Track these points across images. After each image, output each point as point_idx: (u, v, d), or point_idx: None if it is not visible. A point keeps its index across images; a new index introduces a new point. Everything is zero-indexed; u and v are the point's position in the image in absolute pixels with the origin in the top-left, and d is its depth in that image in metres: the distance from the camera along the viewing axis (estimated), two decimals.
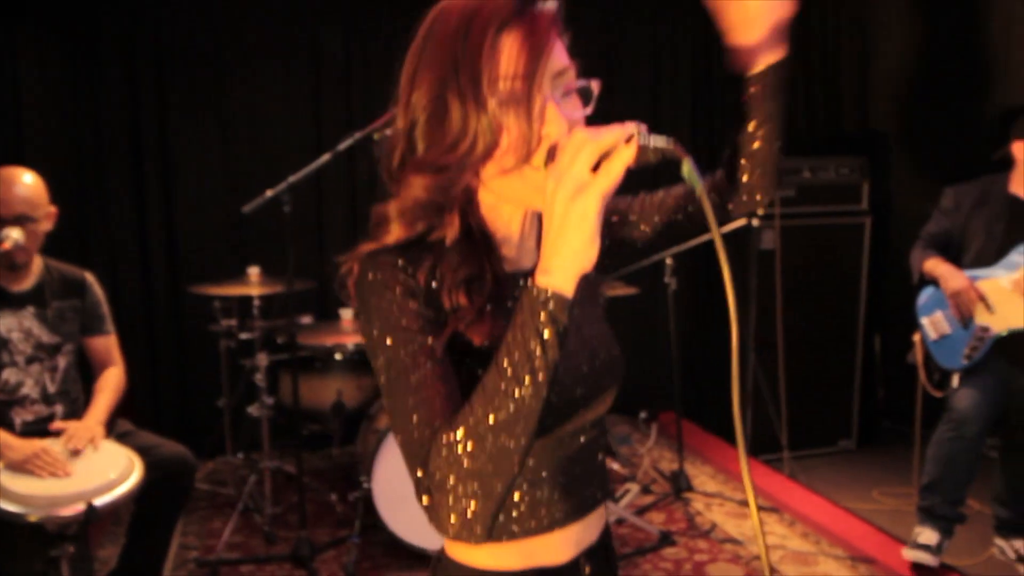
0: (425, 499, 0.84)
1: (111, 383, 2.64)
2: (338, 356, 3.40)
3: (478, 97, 0.86)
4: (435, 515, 0.84)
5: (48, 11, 3.72)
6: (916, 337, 3.04)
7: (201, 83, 3.97)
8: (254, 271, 3.48)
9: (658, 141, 0.84)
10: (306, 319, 3.68)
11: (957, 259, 2.93)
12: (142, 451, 2.44)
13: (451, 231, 0.93)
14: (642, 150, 0.83)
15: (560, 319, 0.81)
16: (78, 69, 3.81)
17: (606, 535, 1.09)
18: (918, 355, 3.03)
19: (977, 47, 4.29)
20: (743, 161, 1.13)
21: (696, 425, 4.32)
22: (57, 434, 2.37)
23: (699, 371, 4.45)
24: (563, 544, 1.01)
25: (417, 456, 0.84)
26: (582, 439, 1.03)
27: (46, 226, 2.52)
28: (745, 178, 1.13)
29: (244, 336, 3.50)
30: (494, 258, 0.96)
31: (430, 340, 0.88)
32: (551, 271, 0.81)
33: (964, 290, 2.82)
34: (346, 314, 3.52)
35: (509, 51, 0.86)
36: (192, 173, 4.01)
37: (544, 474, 0.98)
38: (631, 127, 0.83)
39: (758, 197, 1.15)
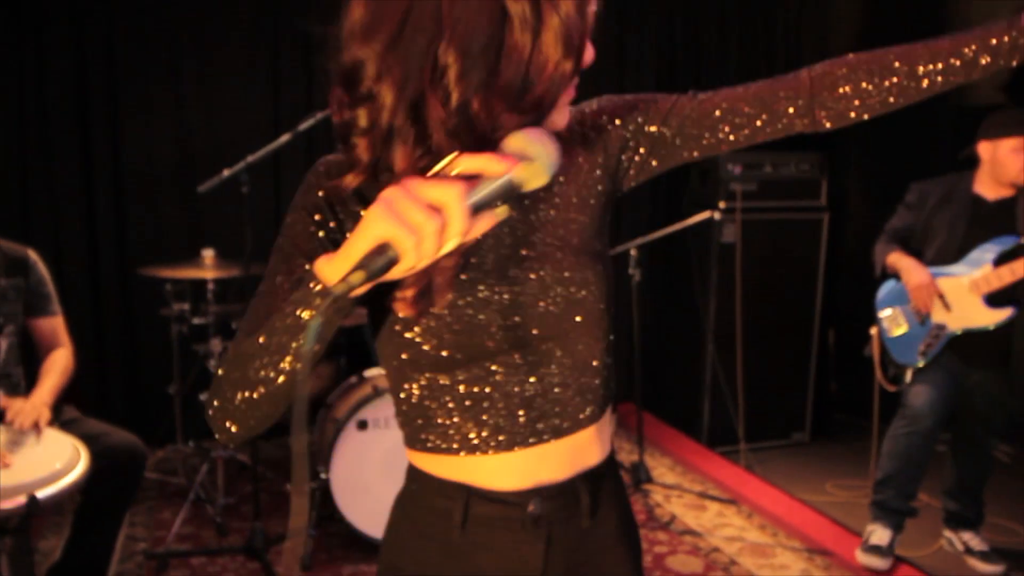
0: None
1: (59, 365, 2.51)
2: None
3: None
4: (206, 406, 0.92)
5: None
6: (873, 331, 3.08)
7: (154, 57, 3.81)
8: (208, 254, 3.36)
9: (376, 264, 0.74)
10: None
11: (919, 254, 2.98)
12: (89, 440, 2.32)
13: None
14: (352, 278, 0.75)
15: (320, 303, 0.79)
16: (23, 37, 3.61)
17: (606, 466, 1.03)
18: (875, 349, 3.08)
19: (940, 32, 4.36)
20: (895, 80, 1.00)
21: (655, 417, 4.34)
22: None
23: (658, 363, 4.47)
24: (501, 469, 0.96)
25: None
26: (501, 377, 0.94)
27: None
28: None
29: (197, 321, 3.39)
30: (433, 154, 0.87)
31: (301, 263, 0.92)
32: (333, 258, 0.78)
33: (925, 285, 2.86)
34: None
35: None
36: (145, 150, 3.85)
37: (451, 403, 0.95)
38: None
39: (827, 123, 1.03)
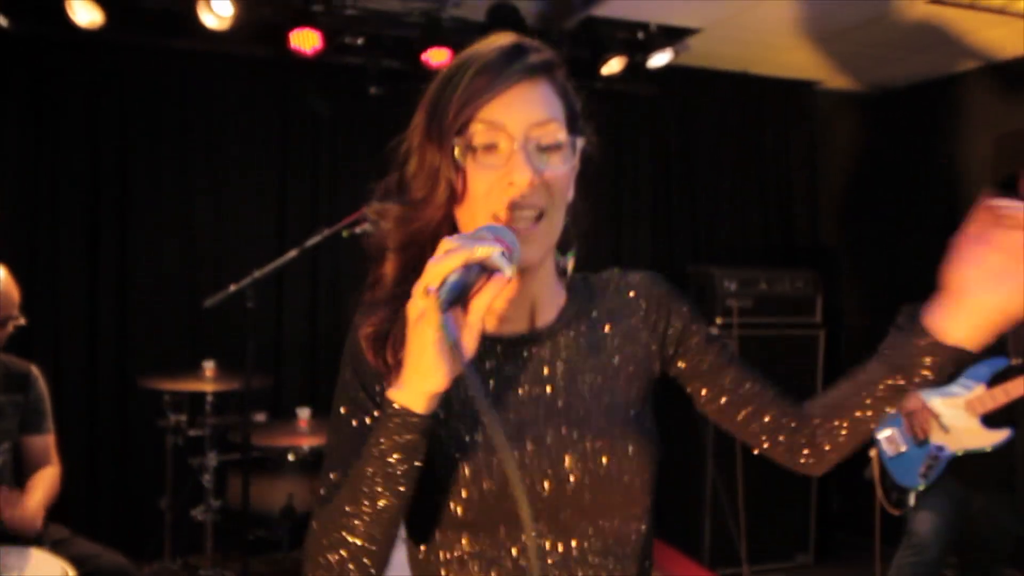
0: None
1: (46, 481, 2.49)
2: (291, 457, 3.28)
3: (442, 137, 0.90)
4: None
5: (9, 88, 3.68)
6: (872, 453, 3.06)
7: (165, 172, 3.93)
8: (209, 365, 3.38)
9: (445, 294, 0.78)
10: (260, 417, 3.57)
11: None
12: (77, 561, 2.28)
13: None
14: (439, 303, 0.78)
15: (408, 438, 0.83)
16: (38, 149, 3.73)
17: None
18: (875, 471, 3.06)
19: (920, 171, 4.53)
20: (841, 434, 1.04)
21: (663, 542, 4.24)
22: None
23: (659, 481, 4.40)
24: None
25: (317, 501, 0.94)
26: (517, 555, 0.93)
27: (9, 330, 2.45)
28: (824, 448, 1.06)
29: (193, 433, 3.37)
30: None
31: (360, 420, 0.95)
32: (402, 386, 0.83)
33: (918, 409, 2.88)
34: (303, 413, 3.42)
35: (476, 92, 0.90)
36: (150, 261, 3.91)
37: (471, 566, 0.94)
38: (472, 251, 0.78)
39: (814, 467, 1.08)
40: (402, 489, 0.85)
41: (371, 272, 1.01)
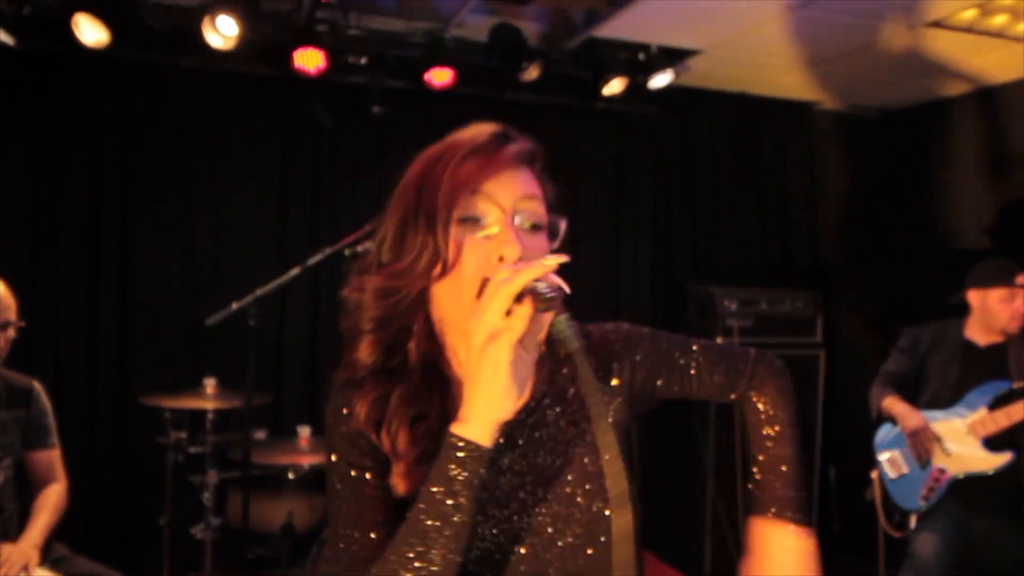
0: None
1: (51, 501, 2.49)
2: (291, 475, 3.27)
3: (431, 215, 0.93)
4: None
5: (13, 105, 3.70)
6: (874, 475, 3.06)
7: (167, 187, 3.94)
8: (210, 383, 3.38)
9: (547, 296, 0.82)
10: (260, 435, 3.56)
11: (914, 398, 3.00)
12: None
13: (411, 355, 0.97)
14: (536, 306, 0.82)
15: (472, 469, 0.82)
16: (40, 165, 3.74)
17: None
18: (876, 493, 3.05)
19: (917, 194, 4.56)
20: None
21: (655, 556, 4.23)
22: None
23: (658, 500, 4.39)
24: None
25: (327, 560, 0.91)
26: None
27: (11, 335, 2.45)
28: None
29: (193, 450, 3.36)
30: (448, 398, 0.96)
31: (366, 475, 0.94)
32: (466, 419, 0.83)
33: (920, 430, 2.88)
34: (303, 431, 3.42)
35: (467, 172, 0.93)
36: (151, 278, 3.91)
37: None
38: (539, 266, 0.83)
39: None
40: (463, 528, 0.84)
41: (344, 354, 1.01)
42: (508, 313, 0.82)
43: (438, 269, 0.93)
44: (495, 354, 0.81)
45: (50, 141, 3.75)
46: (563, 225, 0.98)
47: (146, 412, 3.44)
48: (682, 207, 4.75)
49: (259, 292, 2.94)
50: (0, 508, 2.41)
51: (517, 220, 0.94)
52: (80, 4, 3.21)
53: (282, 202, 4.12)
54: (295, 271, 3.02)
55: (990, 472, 2.84)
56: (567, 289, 0.84)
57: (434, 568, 0.83)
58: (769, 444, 1.16)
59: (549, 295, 0.82)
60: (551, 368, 1.06)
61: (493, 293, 0.82)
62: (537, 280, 0.82)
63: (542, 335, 0.85)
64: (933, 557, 2.77)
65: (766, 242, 4.89)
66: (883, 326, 3.39)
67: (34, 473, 2.54)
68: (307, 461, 3.20)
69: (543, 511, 0.99)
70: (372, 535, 0.93)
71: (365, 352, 0.98)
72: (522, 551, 0.97)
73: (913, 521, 2.91)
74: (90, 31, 3.28)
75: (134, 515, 3.78)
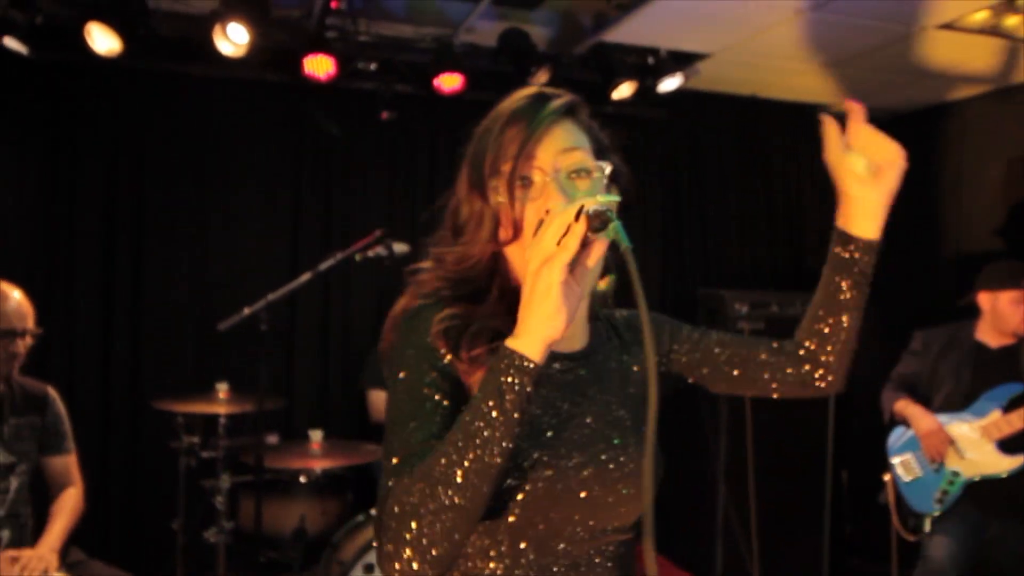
0: (381, 542, 0.89)
1: (68, 506, 2.50)
2: (303, 479, 3.28)
3: (482, 184, 1.00)
4: (386, 558, 0.88)
5: (29, 114, 3.74)
6: (887, 478, 3.05)
7: (180, 194, 3.97)
8: (223, 387, 3.40)
9: (598, 209, 0.88)
10: (272, 439, 3.58)
11: (926, 401, 2.99)
12: None
13: (491, 296, 1.04)
14: (588, 220, 0.87)
15: (522, 382, 0.86)
16: (55, 173, 3.78)
17: None
18: (890, 496, 3.04)
19: (929, 195, 4.54)
20: (826, 332, 1.19)
21: (667, 559, 4.22)
22: None
23: (669, 503, 4.38)
24: None
25: (383, 494, 0.91)
26: (572, 547, 1.01)
27: (28, 343, 2.47)
28: (823, 356, 1.20)
29: (206, 455, 3.38)
30: None
31: (435, 393, 0.97)
32: (519, 336, 0.87)
33: (934, 432, 2.86)
34: (315, 435, 3.42)
35: (508, 139, 0.99)
36: (164, 283, 3.94)
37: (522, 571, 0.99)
38: (585, 200, 0.89)
39: (831, 379, 1.22)
40: (507, 442, 0.86)
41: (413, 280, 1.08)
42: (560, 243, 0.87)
43: (504, 233, 1.01)
44: (548, 274, 0.85)
45: (64, 149, 3.79)
46: (608, 168, 1.03)
47: (159, 417, 3.46)
48: (692, 211, 4.75)
49: (271, 297, 2.96)
50: (16, 514, 2.43)
51: (561, 173, 1.00)
52: (92, 13, 3.24)
53: (293, 208, 4.14)
54: (306, 276, 3.04)
55: (1004, 475, 2.82)
56: (616, 205, 0.90)
57: (473, 477, 0.86)
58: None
59: (600, 211, 0.87)
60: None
61: (549, 222, 0.88)
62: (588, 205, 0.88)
63: (593, 264, 0.89)
64: (947, 560, 2.75)
65: (776, 246, 4.88)
66: (895, 328, 3.38)
67: (51, 478, 2.56)
68: (319, 465, 3.21)
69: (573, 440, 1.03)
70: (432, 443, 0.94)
71: (442, 284, 1.05)
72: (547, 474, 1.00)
73: (928, 525, 2.89)
74: (102, 40, 3.31)
75: (147, 519, 3.80)
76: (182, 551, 3.56)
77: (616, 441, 1.05)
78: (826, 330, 1.17)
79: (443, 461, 0.86)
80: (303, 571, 3.54)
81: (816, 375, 1.20)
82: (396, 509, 0.87)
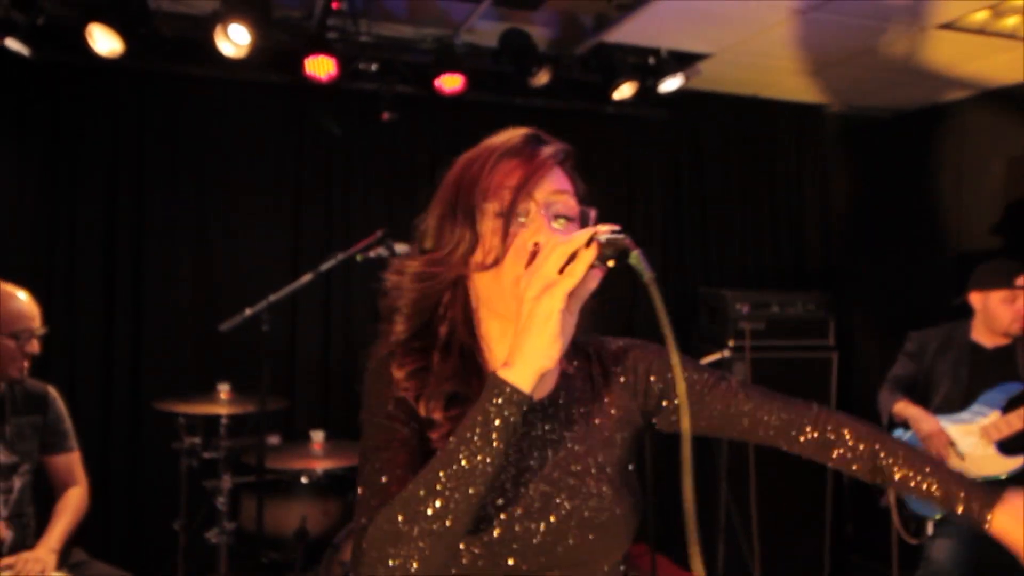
0: (358, 571, 0.88)
1: (72, 506, 2.51)
2: (304, 480, 3.29)
3: (468, 208, 1.00)
4: None
5: (30, 116, 3.74)
6: None
7: (181, 195, 3.97)
8: (224, 388, 3.40)
9: (612, 237, 0.89)
10: (273, 440, 3.58)
11: (923, 402, 2.99)
12: None
13: (441, 337, 1.05)
14: (600, 247, 0.88)
15: (510, 413, 0.85)
16: (56, 178, 3.78)
17: None
18: (891, 499, 3.04)
19: (930, 195, 4.54)
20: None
21: (668, 559, 4.22)
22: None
23: (671, 503, 4.38)
24: None
25: (361, 530, 0.90)
26: None
27: (35, 343, 2.48)
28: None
29: (207, 455, 3.38)
30: (482, 385, 0.99)
31: (400, 432, 0.98)
32: (512, 365, 0.86)
33: (935, 434, 2.86)
34: (316, 436, 3.43)
35: (505, 170, 1.00)
36: (166, 284, 3.94)
37: None
38: (594, 229, 0.90)
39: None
40: (492, 472, 0.86)
41: (382, 329, 1.08)
42: (561, 271, 0.87)
43: (477, 257, 1.01)
44: (549, 302, 0.85)
45: (65, 150, 3.79)
46: (593, 214, 1.04)
47: (160, 418, 3.47)
48: (692, 211, 4.75)
49: (272, 298, 2.97)
50: (19, 513, 2.43)
51: (550, 212, 1.01)
52: (94, 14, 3.24)
53: (294, 208, 4.14)
54: (307, 277, 3.05)
55: (1004, 476, 2.82)
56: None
57: (453, 506, 0.85)
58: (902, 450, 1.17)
59: (614, 239, 0.88)
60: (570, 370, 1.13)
61: (551, 250, 0.88)
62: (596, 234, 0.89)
63: (586, 294, 0.90)
64: (949, 562, 2.75)
65: (777, 245, 4.88)
66: (895, 328, 3.37)
67: (54, 477, 2.57)
68: (320, 466, 3.21)
69: (550, 483, 1.03)
70: (406, 480, 0.94)
71: (400, 328, 1.06)
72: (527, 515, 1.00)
73: (930, 528, 2.89)
74: (104, 41, 3.31)
75: (149, 520, 3.81)
76: (184, 552, 3.56)
77: (579, 493, 1.03)
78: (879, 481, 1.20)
79: (423, 491, 0.86)
80: (304, 572, 3.54)
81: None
82: (374, 535, 0.87)
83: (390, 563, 0.85)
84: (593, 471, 1.05)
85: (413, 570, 0.85)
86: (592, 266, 0.88)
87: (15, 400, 2.48)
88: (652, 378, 1.17)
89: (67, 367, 3.75)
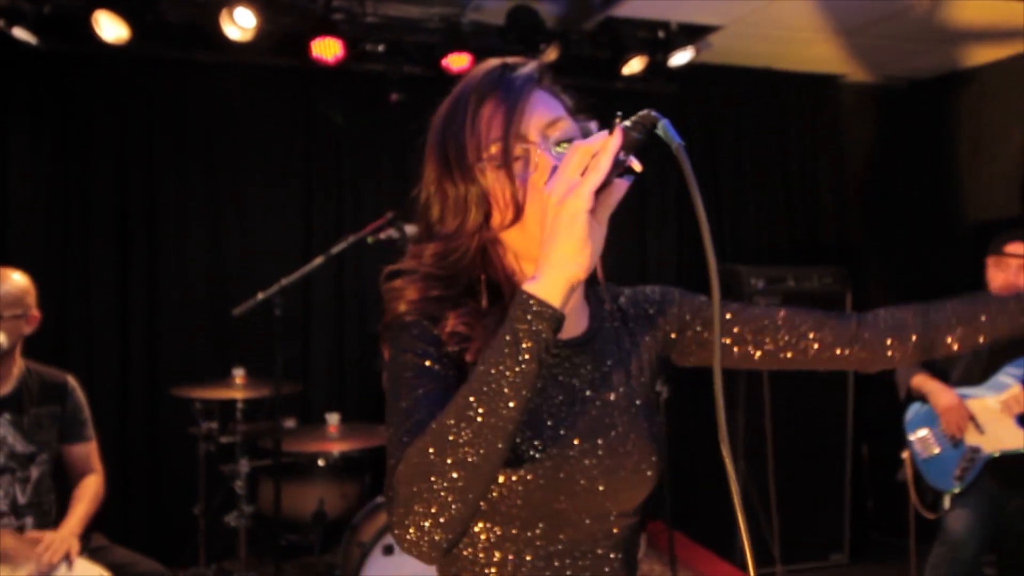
0: (392, 510, 0.83)
1: (89, 493, 2.53)
2: (321, 463, 3.31)
3: (464, 169, 0.94)
4: (397, 524, 0.82)
5: (40, 106, 3.75)
6: (905, 455, 3.02)
7: (192, 180, 3.97)
8: (239, 373, 3.42)
9: (634, 117, 0.84)
10: (289, 423, 3.60)
11: (942, 376, 2.95)
12: (116, 569, 2.33)
13: (483, 298, 0.99)
14: (625, 132, 0.83)
15: (541, 328, 0.79)
16: (68, 167, 3.80)
17: None
18: (908, 473, 3.01)
19: (948, 163, 4.47)
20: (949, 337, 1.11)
21: (686, 536, 4.22)
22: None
23: (688, 480, 4.38)
24: None
25: (393, 469, 0.85)
26: (578, 533, 0.98)
27: (28, 329, 2.48)
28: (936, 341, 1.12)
29: (224, 440, 3.41)
30: None
31: (433, 368, 0.93)
32: (539, 278, 0.81)
33: (955, 407, 2.83)
34: (332, 418, 3.44)
35: (487, 118, 0.94)
36: (179, 271, 3.96)
37: (492, 554, 0.96)
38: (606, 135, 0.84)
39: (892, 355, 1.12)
40: (525, 393, 0.80)
41: (387, 293, 1.02)
42: (583, 174, 0.82)
43: (495, 219, 0.94)
44: (574, 202, 0.79)
45: (76, 140, 3.80)
46: (594, 125, 0.99)
47: (177, 403, 3.49)
48: (706, 186, 4.68)
49: (284, 282, 2.97)
50: (38, 501, 2.46)
51: (548, 143, 0.95)
52: (100, 1, 3.23)
53: (305, 192, 4.14)
54: (319, 260, 3.04)
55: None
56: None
57: (487, 432, 0.80)
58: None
59: (640, 120, 0.83)
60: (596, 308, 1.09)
61: (572, 153, 0.82)
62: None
63: (614, 203, 0.84)
64: (966, 532, 2.73)
65: (792, 219, 4.82)
66: (913, 300, 3.32)
67: (72, 466, 2.59)
68: (337, 448, 3.23)
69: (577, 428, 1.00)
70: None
71: (411, 294, 0.99)
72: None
73: (947, 502, 2.86)
74: (110, 28, 3.30)
75: (168, 505, 3.85)
76: (204, 535, 3.61)
77: (618, 429, 1.01)
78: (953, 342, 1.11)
79: (452, 419, 0.80)
80: (323, 553, 3.58)
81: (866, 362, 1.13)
82: (405, 471, 0.82)
83: (425, 496, 0.80)
84: (633, 412, 1.03)
85: (449, 503, 0.79)
86: (617, 160, 0.82)
87: (34, 390, 2.50)
88: (678, 310, 1.13)
89: (84, 356, 3.78)
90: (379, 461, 3.59)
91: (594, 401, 1.02)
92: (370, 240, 3.04)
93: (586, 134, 0.97)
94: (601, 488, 0.98)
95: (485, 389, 0.80)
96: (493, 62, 1.00)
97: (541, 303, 0.80)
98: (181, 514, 3.66)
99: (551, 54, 3.69)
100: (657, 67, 3.94)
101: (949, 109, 4.48)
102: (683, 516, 4.26)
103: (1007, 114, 4.18)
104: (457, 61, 3.67)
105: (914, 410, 3.01)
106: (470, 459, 0.79)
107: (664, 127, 0.84)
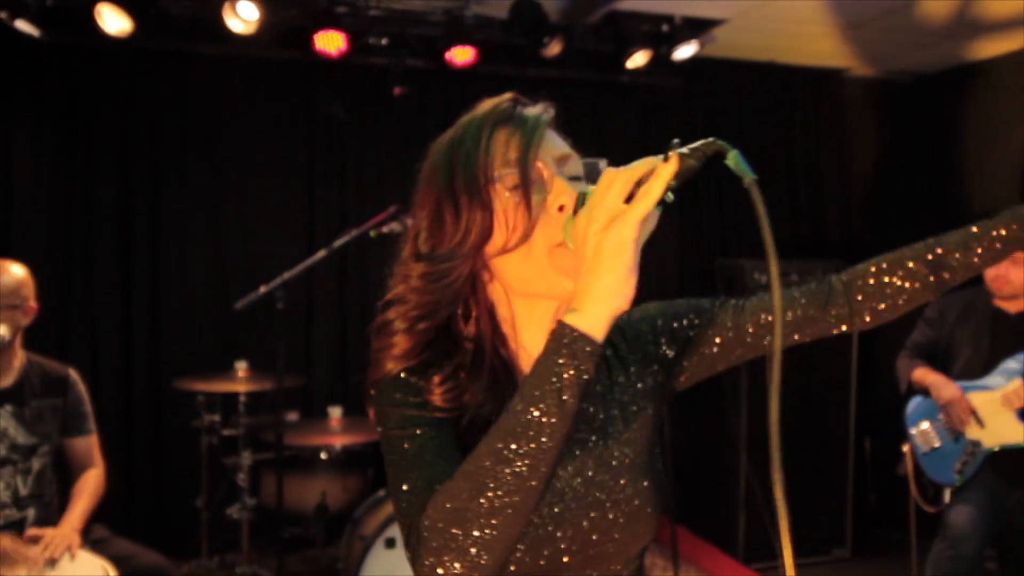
0: (418, 560, 0.79)
1: (90, 486, 2.54)
2: (323, 456, 3.31)
3: (473, 190, 0.91)
4: (424, 565, 0.78)
5: (45, 103, 3.76)
6: (906, 448, 3.02)
7: (194, 174, 3.97)
8: (242, 366, 3.42)
9: (695, 145, 0.81)
10: (292, 416, 3.61)
11: (944, 369, 2.95)
12: (118, 561, 2.33)
13: (470, 330, 0.96)
14: (682, 159, 0.80)
15: (584, 364, 0.76)
16: (71, 160, 3.80)
17: None
18: (908, 467, 3.01)
19: (954, 157, 4.45)
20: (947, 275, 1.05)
21: (689, 531, 4.22)
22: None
23: (691, 474, 4.38)
24: None
25: (410, 523, 0.81)
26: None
27: (25, 320, 2.48)
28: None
29: (227, 433, 3.42)
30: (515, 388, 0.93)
31: (428, 414, 0.90)
32: (580, 310, 0.77)
33: (957, 400, 2.82)
34: (334, 412, 3.45)
35: (504, 141, 0.93)
36: (181, 264, 3.96)
37: None
38: (644, 162, 0.82)
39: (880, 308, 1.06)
40: (564, 432, 0.76)
41: (375, 345, 0.98)
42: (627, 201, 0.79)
43: (497, 240, 0.91)
44: (620, 230, 0.75)
45: (79, 133, 3.80)
46: (603, 164, 0.99)
47: (180, 396, 3.50)
48: (709, 181, 4.69)
49: (286, 275, 2.97)
50: (40, 494, 2.47)
51: (563, 173, 0.94)
52: None
53: (307, 185, 4.14)
54: (321, 253, 3.05)
55: None
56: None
57: (524, 473, 0.75)
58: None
59: (696, 144, 0.79)
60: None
61: (610, 181, 0.79)
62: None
63: (647, 235, 0.81)
64: (968, 527, 2.72)
65: (796, 214, 4.81)
66: None
67: (73, 459, 2.60)
68: (339, 441, 3.23)
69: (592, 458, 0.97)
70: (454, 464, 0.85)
71: (404, 342, 0.95)
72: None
73: (947, 496, 2.86)
74: (113, 20, 3.30)
75: (171, 497, 3.86)
76: (206, 528, 3.62)
77: (601, 493, 0.96)
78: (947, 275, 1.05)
79: (488, 461, 0.76)
80: (325, 546, 3.59)
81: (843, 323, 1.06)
82: (436, 518, 0.77)
83: (457, 544, 0.76)
84: (627, 461, 0.98)
85: (482, 550, 0.76)
86: (667, 188, 0.78)
87: (35, 382, 2.51)
88: (675, 324, 1.08)
89: (87, 349, 3.79)
90: (381, 455, 3.59)
91: (574, 461, 0.97)
92: (372, 233, 3.04)
93: (593, 173, 0.95)
94: (587, 552, 0.95)
95: (521, 431, 0.76)
96: (507, 96, 0.99)
97: (585, 338, 0.76)
98: (184, 506, 3.67)
99: (555, 47, 3.68)
100: (661, 61, 3.93)
101: (953, 103, 4.47)
102: (686, 511, 4.27)
103: (1012, 109, 4.16)
104: (460, 54, 3.66)
105: (915, 403, 3.00)
106: (508, 499, 0.76)
107: (736, 157, 0.80)
